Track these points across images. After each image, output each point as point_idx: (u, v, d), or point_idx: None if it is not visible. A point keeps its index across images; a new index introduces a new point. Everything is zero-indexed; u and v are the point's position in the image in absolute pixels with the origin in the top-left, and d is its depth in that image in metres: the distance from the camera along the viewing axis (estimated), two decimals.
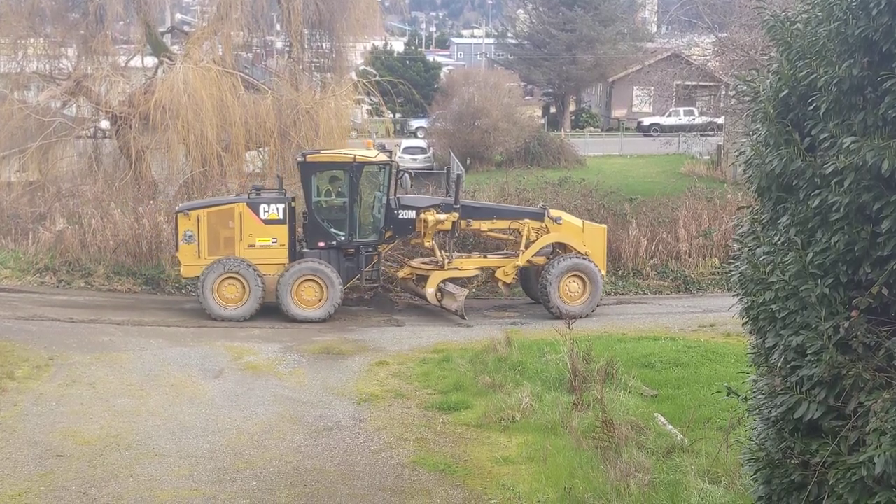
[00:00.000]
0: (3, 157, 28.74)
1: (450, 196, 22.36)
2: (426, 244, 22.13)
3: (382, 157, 21.85)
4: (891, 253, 6.27)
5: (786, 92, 7.02)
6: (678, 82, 48.98)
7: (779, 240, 7.10)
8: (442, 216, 21.59)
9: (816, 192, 6.68)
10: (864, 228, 6.39)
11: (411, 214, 21.74)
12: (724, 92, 40.18)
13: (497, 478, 11.90)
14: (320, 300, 20.90)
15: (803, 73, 6.85)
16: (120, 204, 25.99)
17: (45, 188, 28.05)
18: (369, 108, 43.77)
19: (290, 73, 32.49)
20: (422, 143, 54.18)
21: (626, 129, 62.45)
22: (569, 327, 14.93)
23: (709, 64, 40.42)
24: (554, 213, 22.43)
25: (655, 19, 74.47)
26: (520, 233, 22.03)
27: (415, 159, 49.43)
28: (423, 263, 22.34)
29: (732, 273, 7.77)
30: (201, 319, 20.66)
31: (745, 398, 8.05)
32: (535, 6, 68.74)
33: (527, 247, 21.94)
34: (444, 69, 73.01)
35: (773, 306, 7.03)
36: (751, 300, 7.40)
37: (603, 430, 12.38)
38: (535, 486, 11.45)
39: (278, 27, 37.12)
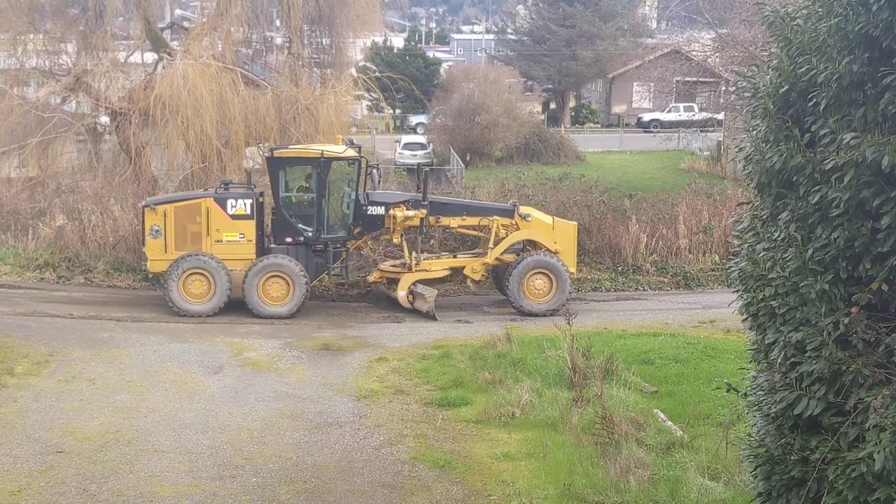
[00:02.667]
0: (2, 153, 28.73)
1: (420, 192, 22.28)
2: (395, 240, 22.10)
3: (351, 152, 21.78)
4: (891, 249, 6.26)
5: (786, 88, 7.01)
6: (678, 78, 48.98)
7: (779, 236, 7.10)
8: (410, 212, 21.52)
9: (816, 188, 6.68)
10: (864, 224, 6.39)
11: (380, 210, 21.66)
12: (723, 88, 40.16)
13: (497, 474, 11.90)
14: (286, 296, 20.82)
15: (803, 69, 6.84)
16: (120, 200, 25.98)
17: (44, 184, 28.04)
18: (369, 104, 43.78)
19: (290, 69, 32.47)
20: (421, 139, 54.15)
21: (626, 125, 62.41)
22: (569, 323, 14.93)
23: (709, 60, 40.38)
24: (523, 210, 22.29)
25: (655, 15, 74.41)
26: (489, 230, 21.96)
27: (414, 155, 49.41)
28: (393, 266, 22.30)
29: (732, 269, 7.76)
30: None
31: (745, 394, 8.05)
32: (535, 2, 68.67)
33: (496, 244, 21.86)
34: (444, 65, 72.94)
35: (772, 302, 7.02)
36: (750, 296, 7.40)
37: (603, 427, 12.39)
38: (534, 482, 11.46)
39: (278, 23, 37.08)
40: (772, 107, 7.10)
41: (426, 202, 21.74)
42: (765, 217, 7.47)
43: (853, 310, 6.44)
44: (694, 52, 42.84)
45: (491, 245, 21.90)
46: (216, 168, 27.52)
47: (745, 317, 7.66)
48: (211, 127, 27.10)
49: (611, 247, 25.68)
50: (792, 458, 6.98)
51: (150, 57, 32.76)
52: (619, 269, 25.31)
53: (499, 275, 22.66)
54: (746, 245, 7.62)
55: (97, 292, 22.94)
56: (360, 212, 21.58)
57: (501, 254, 21.97)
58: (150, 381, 15.70)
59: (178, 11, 42.35)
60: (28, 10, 30.07)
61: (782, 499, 7.20)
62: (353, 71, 36.91)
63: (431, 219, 21.85)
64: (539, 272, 21.51)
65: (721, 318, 19.48)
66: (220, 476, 11.78)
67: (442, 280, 22.53)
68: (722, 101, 41.07)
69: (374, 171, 22.30)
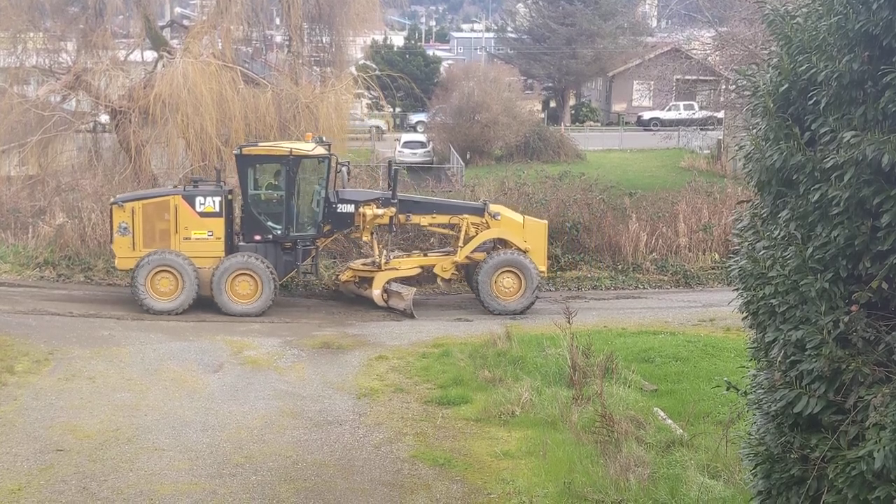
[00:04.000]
0: (2, 152, 28.73)
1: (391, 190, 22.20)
2: (364, 238, 22.08)
3: (320, 150, 21.71)
4: (891, 247, 6.26)
5: (786, 86, 7.01)
6: (678, 76, 49.02)
7: (779, 234, 7.10)
8: (380, 210, 21.46)
9: (816, 186, 6.68)
10: (864, 223, 6.39)
11: (350, 208, 21.58)
12: (724, 86, 40.18)
13: (497, 472, 11.91)
14: (255, 294, 20.77)
15: (803, 67, 6.84)
16: None
17: (44, 182, 28.06)
18: (369, 102, 43.76)
19: (290, 68, 32.50)
20: (421, 137, 54.19)
21: (626, 123, 62.41)
22: (569, 322, 14.92)
23: (709, 58, 40.43)
24: (493, 208, 22.22)
25: (655, 13, 74.43)
26: (459, 228, 21.90)
27: (414, 153, 49.46)
28: (364, 265, 22.27)
29: (732, 267, 7.76)
30: (201, 314, 20.66)
31: (745, 393, 8.05)
32: (535, 0, 68.67)
33: (465, 242, 21.80)
34: (444, 63, 72.96)
35: (772, 301, 7.02)
36: (750, 295, 7.40)
37: (602, 425, 12.39)
38: (534, 481, 11.47)
39: (278, 21, 37.11)
40: (772, 105, 7.10)
41: (395, 200, 21.66)
42: (765, 215, 7.46)
43: (853, 308, 6.44)
44: (694, 51, 42.92)
45: (461, 243, 21.84)
46: (216, 166, 27.52)
47: (745, 315, 7.66)
48: (211, 125, 27.11)
49: (611, 245, 25.68)
50: (792, 456, 6.98)
51: (149, 55, 32.78)
52: (619, 267, 25.31)
53: (470, 273, 22.59)
54: (746, 243, 7.62)
55: (97, 290, 22.94)
56: (329, 210, 21.50)
57: (471, 252, 21.85)
58: (150, 380, 15.70)
59: (177, 10, 42.35)
60: (28, 8, 30.08)
61: (782, 497, 7.20)
62: (353, 69, 36.94)
63: (402, 217, 21.75)
64: (508, 271, 21.43)
65: (721, 317, 19.48)
66: (219, 474, 11.78)
67: (414, 278, 22.47)
68: (722, 99, 41.12)
69: (344, 168, 22.19)
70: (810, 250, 6.68)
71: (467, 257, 21.94)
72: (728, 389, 8.53)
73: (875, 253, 6.38)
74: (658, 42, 59.45)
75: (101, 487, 11.30)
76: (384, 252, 22.04)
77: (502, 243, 22.03)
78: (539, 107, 66.57)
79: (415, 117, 62.07)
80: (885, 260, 6.32)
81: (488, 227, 21.95)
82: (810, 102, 6.80)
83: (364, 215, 21.46)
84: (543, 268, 22.00)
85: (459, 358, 16.87)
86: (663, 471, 11.29)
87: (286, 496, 11.19)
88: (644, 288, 24.57)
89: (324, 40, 34.40)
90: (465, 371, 16.09)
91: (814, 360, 6.60)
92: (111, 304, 21.31)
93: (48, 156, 28.84)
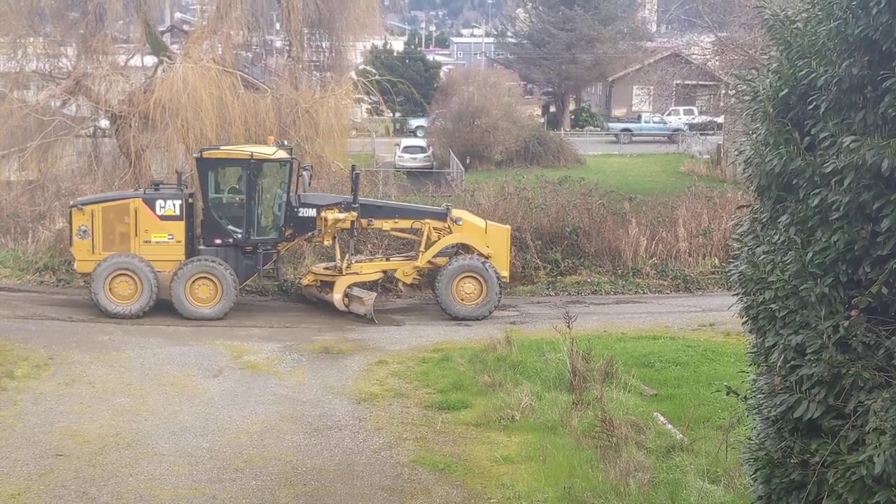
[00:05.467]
0: (2, 156, 28.73)
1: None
2: (326, 243, 22.02)
3: (282, 154, 21.65)
4: (890, 252, 6.26)
5: (785, 91, 7.01)
6: (678, 81, 49.07)
7: (778, 239, 7.09)
8: (341, 215, 21.39)
9: (816, 191, 6.67)
10: (864, 227, 6.38)
11: (312, 213, 21.54)
12: (723, 91, 40.22)
13: (496, 477, 11.90)
14: (214, 298, 20.68)
15: (803, 72, 6.84)
16: None
17: (44, 187, 28.05)
18: (369, 107, 43.76)
19: (290, 72, 32.49)
20: (421, 142, 54.21)
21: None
22: (569, 326, 14.92)
23: (708, 63, 40.48)
24: (455, 213, 22.12)
25: (655, 18, 74.52)
26: (422, 233, 21.85)
27: (414, 158, 49.47)
28: (325, 269, 22.18)
29: (732, 272, 7.75)
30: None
31: (745, 397, 8.04)
32: (535, 5, 68.74)
33: (427, 247, 21.74)
34: (444, 68, 73.02)
35: (772, 305, 7.02)
36: (750, 299, 7.39)
37: (602, 430, 12.39)
38: (534, 486, 11.46)
39: (278, 26, 37.10)
40: (771, 110, 7.10)
41: (356, 204, 21.61)
42: (764, 220, 7.46)
43: (853, 313, 6.44)
44: (694, 56, 42.93)
45: (422, 248, 21.78)
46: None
47: (744, 320, 7.65)
48: (211, 130, 27.10)
49: (610, 250, 25.69)
50: (792, 461, 6.97)
51: (149, 60, 32.78)
52: (619, 271, 25.31)
53: (433, 278, 22.38)
54: (746, 248, 7.61)
55: None
56: (291, 214, 21.44)
57: (434, 257, 21.75)
58: (150, 384, 15.69)
59: (177, 15, 42.39)
60: (28, 13, 30.08)
61: (782, 502, 7.19)
62: (353, 74, 36.98)
63: (364, 221, 21.70)
64: (469, 276, 21.35)
65: (721, 322, 19.48)
66: (219, 479, 11.77)
67: (377, 283, 22.40)
68: (722, 104, 41.19)
69: (306, 172, 22.12)
70: (810, 255, 6.67)
71: (429, 262, 21.81)
72: (728, 394, 8.52)
73: (875, 258, 6.38)
74: (658, 47, 59.41)
75: (101, 492, 11.29)
76: (346, 256, 21.95)
77: (465, 248, 21.96)
78: (539, 111, 66.62)
79: (415, 122, 62.12)
80: (885, 265, 6.31)
81: (451, 232, 21.86)
82: (810, 107, 6.80)
83: (326, 219, 21.39)
84: (505, 273, 21.90)
85: (459, 363, 16.87)
86: (663, 476, 11.28)
87: (286, 501, 11.19)
88: (644, 292, 24.56)
89: (324, 45, 34.41)
90: (465, 376, 16.08)
91: (814, 364, 6.59)
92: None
93: (48, 161, 28.82)
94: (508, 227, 22.88)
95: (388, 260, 22.84)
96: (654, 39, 67.88)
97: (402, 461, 12.49)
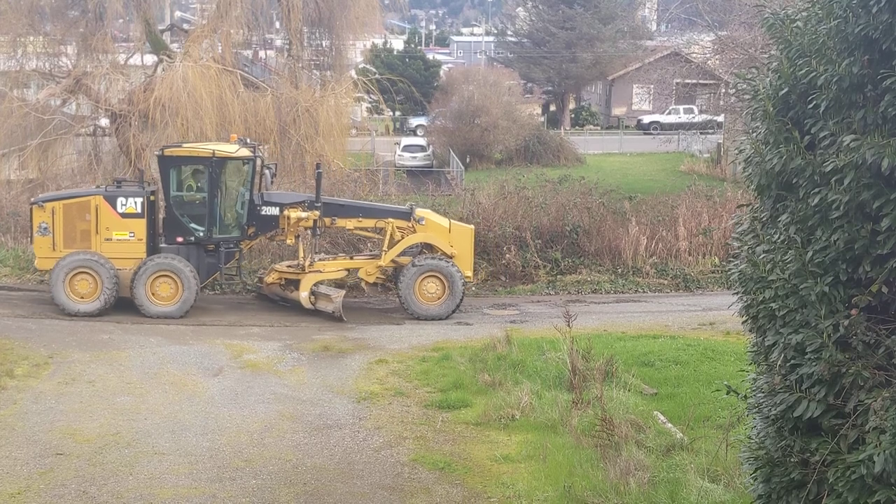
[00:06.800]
0: (2, 155, 28.77)
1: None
2: (289, 242, 21.95)
3: (244, 151, 21.52)
4: (890, 251, 6.26)
5: (786, 90, 7.01)
6: (678, 80, 49.11)
7: (778, 238, 7.10)
8: (304, 214, 21.29)
9: (816, 190, 6.68)
10: (864, 226, 6.39)
11: (275, 211, 21.42)
12: (723, 90, 40.22)
13: (497, 476, 11.90)
14: (175, 296, 20.59)
15: (803, 71, 6.84)
16: None
17: (44, 186, 28.04)
18: (369, 105, 43.82)
19: (290, 71, 32.52)
20: (421, 141, 54.22)
21: (626, 127, 62.48)
22: (569, 325, 14.91)
23: (708, 62, 40.49)
24: (419, 213, 22.00)
25: (655, 17, 74.52)
26: (385, 232, 21.75)
27: (414, 157, 49.49)
28: (289, 267, 22.10)
29: (732, 271, 7.76)
30: (201, 317, 20.65)
31: (745, 396, 8.05)
32: (535, 4, 68.73)
33: (390, 246, 21.63)
34: (444, 67, 72.98)
35: (772, 304, 7.02)
36: (750, 298, 7.40)
37: (602, 429, 12.38)
38: (534, 485, 11.46)
39: (278, 25, 37.12)
40: (771, 109, 7.10)
41: (319, 203, 21.51)
42: (765, 219, 7.47)
43: (853, 312, 6.44)
44: (694, 55, 42.95)
45: (385, 248, 21.67)
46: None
47: (744, 319, 7.66)
48: (211, 129, 27.12)
49: (611, 249, 25.69)
50: (792, 460, 6.97)
51: (149, 59, 32.81)
52: (619, 271, 25.31)
53: (397, 277, 22.32)
54: (746, 247, 7.62)
55: None
56: (254, 212, 21.34)
57: (397, 256, 21.69)
58: (150, 383, 15.69)
59: (178, 13, 42.41)
60: (28, 12, 30.11)
61: (782, 501, 7.19)
62: (353, 73, 37.03)
63: (327, 220, 21.61)
64: (432, 275, 21.27)
65: (721, 320, 19.48)
66: (219, 478, 11.77)
67: (343, 281, 22.35)
68: (722, 103, 41.18)
69: (268, 171, 22.02)
70: (810, 254, 6.68)
71: (393, 261, 21.75)
72: (728, 393, 8.53)
73: (875, 256, 6.38)
74: (658, 46, 59.46)
75: (101, 491, 11.29)
76: (310, 255, 21.90)
77: (429, 248, 21.91)
78: (539, 110, 66.63)
79: (415, 121, 62.11)
80: (885, 263, 6.32)
81: (414, 232, 21.79)
82: (810, 106, 6.81)
83: (288, 218, 21.32)
84: (469, 273, 21.85)
85: (459, 362, 16.86)
86: (663, 475, 11.28)
87: (286, 500, 11.19)
88: (644, 292, 24.56)
89: (324, 44, 34.44)
90: (465, 375, 16.08)
91: (814, 363, 6.59)
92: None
93: (48, 160, 28.85)
94: (472, 226, 22.78)
95: (351, 258, 22.83)
96: (654, 38, 67.95)
97: (403, 460, 12.49)
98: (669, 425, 13.27)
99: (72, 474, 11.76)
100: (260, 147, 22.88)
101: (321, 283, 21.57)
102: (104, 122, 31.58)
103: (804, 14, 7.03)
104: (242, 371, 16.62)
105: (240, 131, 27.54)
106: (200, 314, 20.80)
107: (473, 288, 23.62)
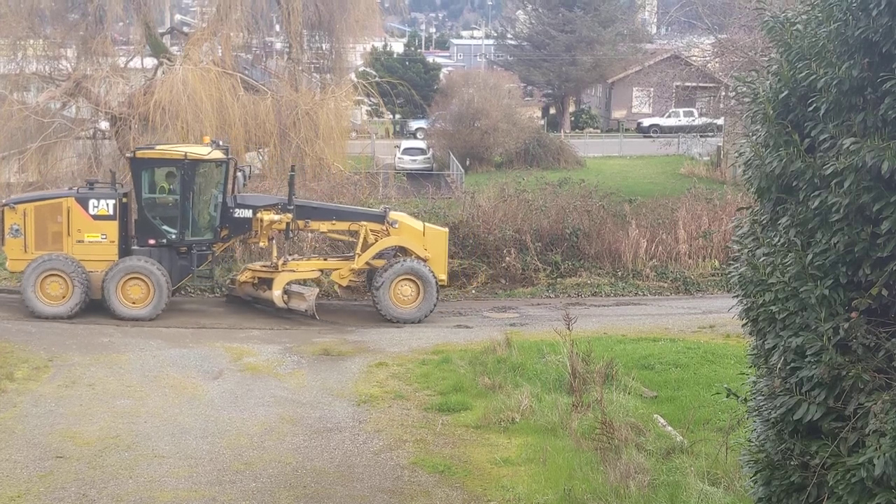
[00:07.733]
0: (2, 158, 28.74)
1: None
2: (262, 244, 21.91)
3: (217, 154, 21.52)
4: (890, 254, 6.26)
5: (785, 93, 7.01)
6: (678, 83, 49.03)
7: (778, 241, 7.10)
8: (277, 216, 21.26)
9: (816, 193, 6.68)
10: (864, 229, 6.39)
11: (248, 213, 21.38)
12: (723, 93, 40.20)
13: (496, 479, 11.89)
14: (147, 298, 20.52)
15: (803, 74, 6.84)
16: None
17: (44, 189, 28.01)
18: (369, 108, 43.81)
19: (290, 74, 32.53)
20: (421, 144, 54.22)
21: (626, 130, 62.47)
22: (569, 328, 14.90)
23: (708, 65, 40.47)
24: (392, 216, 21.96)
25: (655, 20, 74.53)
26: (359, 235, 21.74)
27: (414, 160, 49.47)
28: (263, 266, 22.06)
29: (732, 274, 7.76)
30: (200, 320, 20.66)
31: (745, 399, 8.04)
32: (535, 7, 68.74)
33: (364, 249, 21.62)
34: (444, 70, 73.05)
35: (772, 307, 7.02)
36: (750, 301, 7.40)
37: (602, 432, 12.37)
38: (534, 488, 11.45)
39: (278, 28, 37.13)
40: (771, 112, 7.10)
41: (292, 206, 21.48)
42: (765, 222, 7.47)
43: (853, 315, 6.44)
44: (693, 58, 42.97)
45: (359, 251, 21.67)
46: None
47: (744, 322, 7.66)
48: (210, 132, 27.07)
49: (610, 252, 25.69)
50: (792, 463, 6.97)
51: (149, 62, 32.80)
52: (619, 273, 25.31)
53: (371, 280, 22.27)
54: (746, 250, 7.62)
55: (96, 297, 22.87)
56: (227, 215, 21.29)
57: (371, 259, 21.65)
58: (150, 386, 15.68)
59: (178, 16, 42.42)
60: (28, 15, 30.11)
61: None
62: (353, 76, 37.04)
63: (300, 222, 21.61)
64: (406, 279, 21.23)
65: (721, 323, 19.48)
66: (219, 481, 11.77)
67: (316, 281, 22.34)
68: (722, 106, 41.15)
69: (241, 173, 21.97)
70: (810, 257, 6.68)
71: (367, 264, 21.72)
72: (728, 396, 8.53)
73: (875, 259, 6.38)
74: (658, 49, 59.48)
75: (101, 494, 11.28)
76: (283, 255, 21.85)
77: (402, 251, 21.88)
78: (539, 113, 66.65)
79: (414, 124, 62.12)
80: (885, 266, 6.32)
81: (388, 235, 21.75)
82: (810, 109, 6.81)
83: (261, 221, 21.28)
84: (443, 276, 21.82)
85: (459, 365, 16.86)
86: (663, 478, 11.27)
87: (286, 503, 11.18)
88: (644, 294, 24.56)
89: (324, 47, 34.46)
90: (465, 378, 16.07)
91: (814, 366, 6.59)
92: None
93: (48, 163, 28.83)
94: (446, 229, 22.77)
95: (325, 259, 22.81)
96: (653, 41, 67.96)
97: (402, 463, 12.48)
98: (669, 428, 13.26)
99: (71, 477, 11.76)
100: (260, 150, 22.87)
101: (293, 282, 21.53)
102: (104, 125, 31.58)
103: (804, 17, 7.03)
104: (242, 374, 16.62)
105: (240, 134, 27.60)
106: (200, 317, 20.81)
107: (473, 291, 23.61)
